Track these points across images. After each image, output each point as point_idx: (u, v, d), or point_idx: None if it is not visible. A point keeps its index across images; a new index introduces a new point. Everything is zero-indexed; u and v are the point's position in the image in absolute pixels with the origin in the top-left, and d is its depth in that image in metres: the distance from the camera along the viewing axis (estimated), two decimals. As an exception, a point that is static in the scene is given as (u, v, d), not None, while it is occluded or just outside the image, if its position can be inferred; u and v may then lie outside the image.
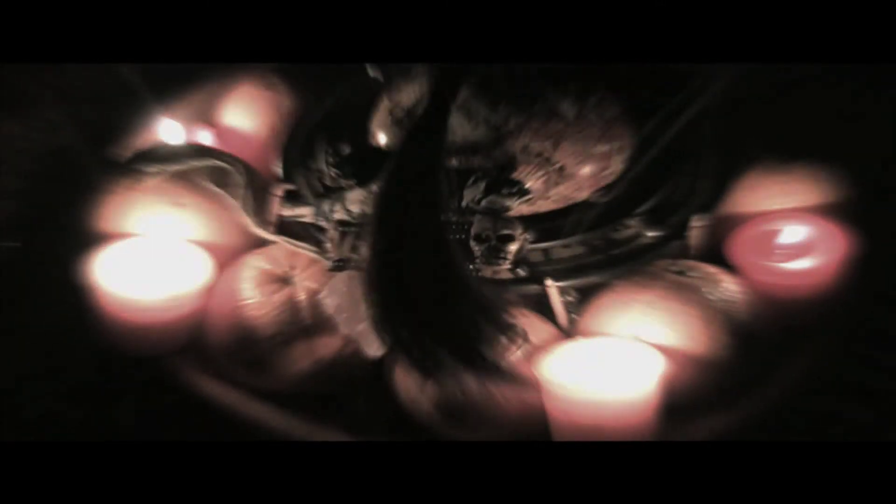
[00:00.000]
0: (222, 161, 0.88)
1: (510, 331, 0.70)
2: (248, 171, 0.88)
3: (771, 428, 0.77)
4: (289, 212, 0.88)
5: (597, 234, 0.83)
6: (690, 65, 0.89)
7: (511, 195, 0.82)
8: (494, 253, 0.79)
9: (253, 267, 0.83)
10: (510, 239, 0.79)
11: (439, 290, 0.70)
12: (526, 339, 0.72)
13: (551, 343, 0.78)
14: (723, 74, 0.85)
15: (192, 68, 1.01)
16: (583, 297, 0.81)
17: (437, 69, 0.82)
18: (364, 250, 0.73)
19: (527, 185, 0.82)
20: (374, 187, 0.77)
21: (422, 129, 0.78)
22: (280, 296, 0.82)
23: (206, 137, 0.97)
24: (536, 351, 0.77)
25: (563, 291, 0.81)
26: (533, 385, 0.72)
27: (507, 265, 0.80)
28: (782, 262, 0.82)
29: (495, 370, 0.69)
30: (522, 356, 0.76)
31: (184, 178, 0.88)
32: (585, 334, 0.79)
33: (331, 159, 0.89)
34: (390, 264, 0.70)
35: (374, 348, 0.77)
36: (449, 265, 0.71)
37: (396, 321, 0.69)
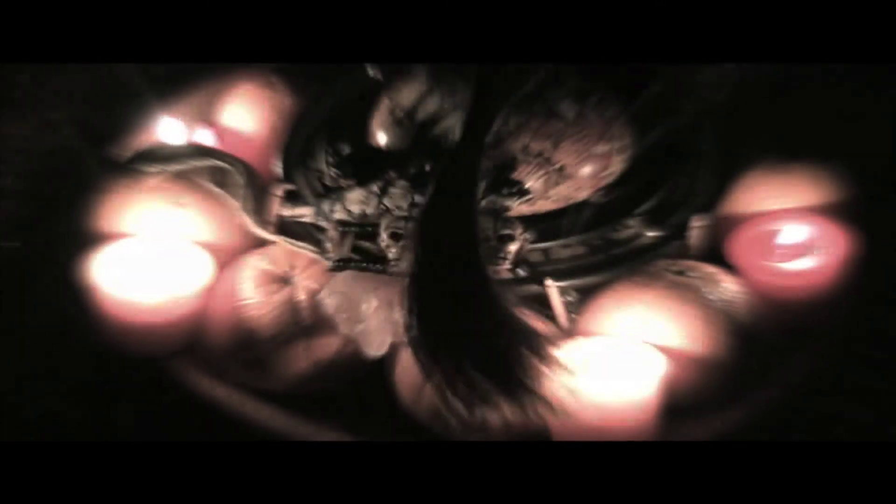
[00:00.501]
0: (222, 161, 0.88)
1: (550, 359, 0.69)
2: (248, 171, 0.88)
3: (772, 428, 0.77)
4: (289, 212, 0.88)
5: (597, 234, 0.83)
6: (690, 65, 0.89)
7: (511, 195, 0.82)
8: (494, 253, 0.79)
9: (253, 267, 0.83)
10: (510, 239, 0.79)
11: (481, 319, 0.69)
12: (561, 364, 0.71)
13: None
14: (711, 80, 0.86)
15: (192, 68, 1.01)
16: (583, 297, 0.81)
17: (481, 71, 0.82)
18: (404, 270, 0.72)
19: (527, 185, 0.82)
20: (418, 204, 0.77)
21: (468, 137, 0.78)
22: (280, 296, 0.82)
23: (206, 137, 0.97)
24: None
25: (563, 291, 0.81)
26: (570, 414, 0.70)
27: (507, 265, 0.80)
28: (782, 262, 0.82)
29: (535, 398, 0.68)
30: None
31: (184, 178, 0.88)
32: (585, 334, 0.79)
33: (331, 159, 0.89)
34: (430, 291, 0.70)
35: (374, 348, 0.77)
36: (490, 294, 0.70)
37: (439, 352, 0.68)
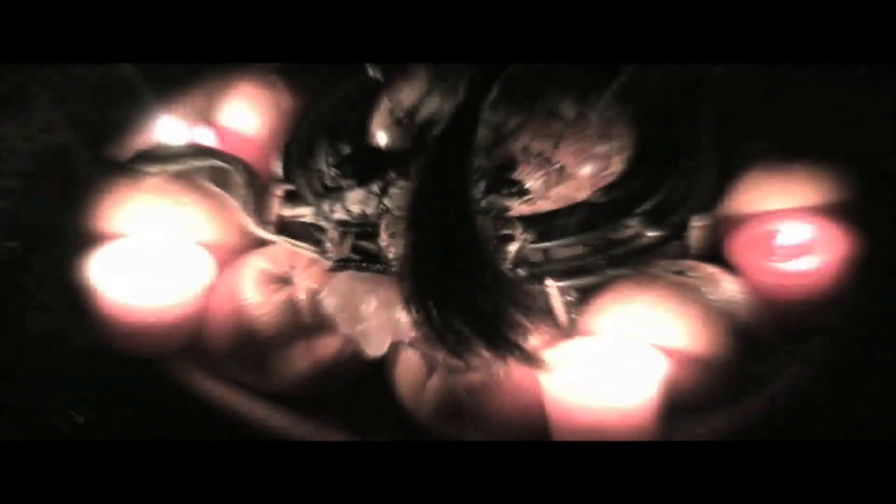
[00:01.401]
0: (222, 161, 0.88)
1: (534, 314, 0.72)
2: (248, 171, 0.88)
3: (771, 428, 0.77)
4: (289, 212, 0.88)
5: (597, 234, 0.83)
6: (690, 65, 0.89)
7: (511, 195, 0.82)
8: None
9: (253, 267, 0.83)
10: (510, 239, 0.79)
11: (468, 273, 0.72)
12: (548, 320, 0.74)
13: (551, 343, 0.78)
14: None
15: (192, 68, 1.01)
16: (583, 297, 0.81)
17: (472, 69, 0.83)
18: (399, 242, 0.74)
19: (527, 185, 0.82)
20: (409, 182, 0.78)
21: (455, 124, 0.79)
22: (280, 296, 0.82)
23: (206, 137, 0.97)
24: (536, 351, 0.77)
25: (563, 291, 0.81)
26: (548, 368, 0.73)
27: (507, 265, 0.80)
28: (782, 262, 0.82)
29: (516, 351, 0.70)
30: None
31: (184, 178, 0.88)
32: (585, 334, 0.79)
33: (331, 159, 0.88)
34: (424, 250, 0.72)
35: (374, 348, 0.77)
36: (479, 251, 0.73)
37: (426, 300, 0.71)
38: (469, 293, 0.71)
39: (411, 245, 0.73)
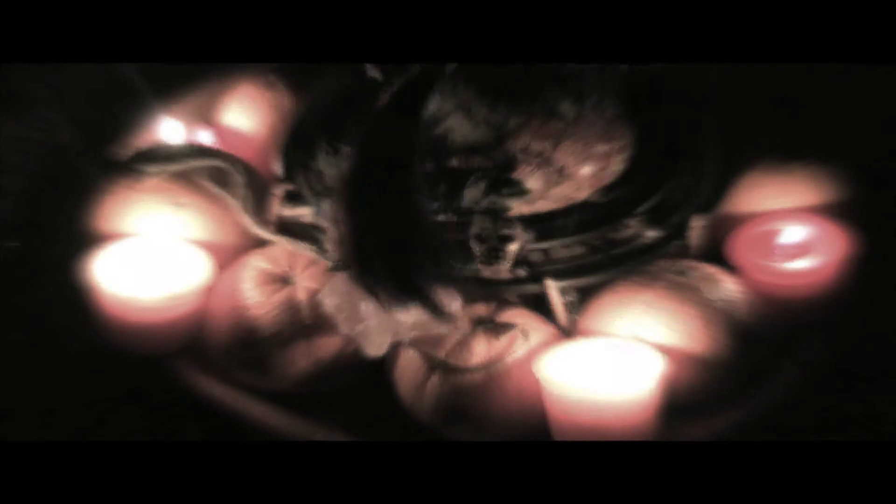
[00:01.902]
0: (222, 161, 0.88)
1: (447, 265, 0.75)
2: (248, 171, 0.88)
3: (771, 428, 0.77)
4: (289, 212, 0.88)
5: (597, 234, 0.83)
6: (690, 65, 0.89)
7: (511, 195, 0.82)
8: (494, 253, 0.79)
9: (253, 267, 0.83)
10: (510, 239, 0.79)
11: (394, 224, 0.75)
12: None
13: (551, 343, 0.78)
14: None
15: (192, 68, 1.01)
16: (583, 297, 0.81)
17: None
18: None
19: (527, 185, 0.82)
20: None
21: (393, 111, 0.81)
22: (280, 296, 0.82)
23: (206, 137, 0.97)
24: (536, 351, 0.77)
25: (563, 291, 0.81)
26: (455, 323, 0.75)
27: (507, 265, 0.80)
28: (782, 262, 0.82)
29: (422, 298, 0.73)
30: (522, 356, 0.76)
31: (184, 178, 0.88)
32: (585, 334, 0.79)
33: (331, 159, 0.88)
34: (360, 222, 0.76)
35: (374, 348, 0.77)
36: (413, 211, 0.76)
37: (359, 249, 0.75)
38: (395, 246, 0.74)
39: (347, 218, 0.75)
